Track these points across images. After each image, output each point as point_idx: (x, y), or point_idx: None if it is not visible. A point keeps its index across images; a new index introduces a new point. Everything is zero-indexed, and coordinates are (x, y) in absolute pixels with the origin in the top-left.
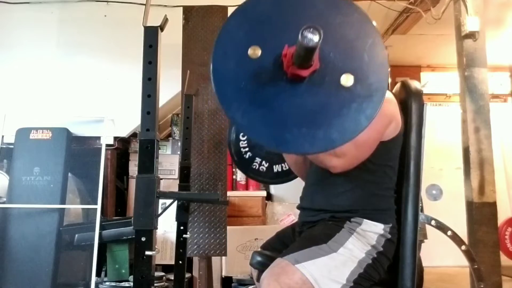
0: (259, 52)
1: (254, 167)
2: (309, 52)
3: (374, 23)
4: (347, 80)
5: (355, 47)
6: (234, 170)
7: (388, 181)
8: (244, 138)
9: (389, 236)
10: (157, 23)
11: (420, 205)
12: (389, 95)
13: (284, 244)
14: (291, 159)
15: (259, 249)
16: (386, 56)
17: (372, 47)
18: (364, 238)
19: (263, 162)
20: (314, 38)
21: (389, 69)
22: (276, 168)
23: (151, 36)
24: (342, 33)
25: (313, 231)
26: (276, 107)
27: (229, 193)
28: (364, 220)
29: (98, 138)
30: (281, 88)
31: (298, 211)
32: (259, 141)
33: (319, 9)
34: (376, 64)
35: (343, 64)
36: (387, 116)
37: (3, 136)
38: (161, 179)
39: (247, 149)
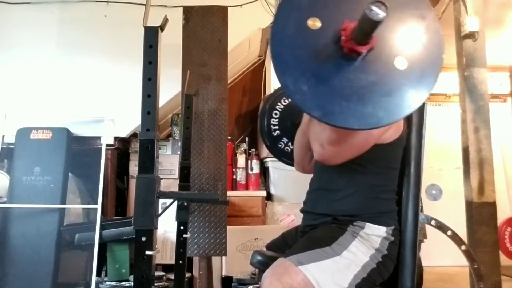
0: (319, 24)
1: (280, 146)
2: (372, 27)
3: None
4: (401, 62)
5: (413, 31)
6: (234, 170)
7: (390, 183)
8: (276, 121)
9: (392, 238)
10: (157, 23)
11: (420, 205)
12: None
13: (287, 244)
14: (300, 141)
15: (261, 249)
16: (442, 45)
17: (429, 34)
18: (367, 242)
19: (290, 144)
20: (380, 12)
21: (443, 56)
22: None
23: (151, 36)
24: (401, 16)
25: (316, 232)
26: (328, 79)
27: (229, 193)
28: (367, 223)
29: (99, 138)
30: (335, 62)
31: (298, 211)
32: (306, 109)
33: None
34: (430, 51)
35: (399, 47)
36: None
37: (3, 136)
38: (161, 179)
39: (277, 129)
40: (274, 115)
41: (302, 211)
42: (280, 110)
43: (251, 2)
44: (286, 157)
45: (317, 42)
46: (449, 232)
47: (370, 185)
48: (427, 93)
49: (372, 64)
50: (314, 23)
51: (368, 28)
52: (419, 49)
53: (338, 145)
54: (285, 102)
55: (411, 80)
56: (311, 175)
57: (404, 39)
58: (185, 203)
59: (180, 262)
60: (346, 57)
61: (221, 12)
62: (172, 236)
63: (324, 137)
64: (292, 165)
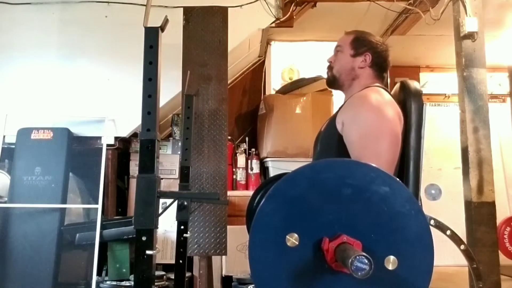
0: (297, 240)
1: None
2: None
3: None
4: (390, 262)
5: (398, 227)
6: (234, 170)
7: None
8: None
9: None
10: (157, 23)
11: (419, 204)
12: (385, 98)
13: None
14: None
15: None
16: (430, 237)
17: (415, 225)
18: None
19: None
20: (365, 268)
21: (433, 253)
22: None
23: (152, 36)
24: (382, 211)
25: None
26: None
27: (229, 193)
28: None
29: (99, 138)
30: (323, 278)
31: None
32: None
33: (354, 185)
34: (420, 245)
35: (387, 246)
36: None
37: (4, 136)
38: (162, 178)
39: None
40: None
41: None
42: None
43: (251, 3)
44: None
45: (301, 260)
46: (448, 232)
47: None
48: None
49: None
50: (293, 240)
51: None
52: (407, 243)
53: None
54: None
55: (404, 280)
56: None
57: (390, 236)
58: (185, 203)
59: (180, 261)
60: (334, 272)
61: (221, 12)
62: (173, 235)
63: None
64: None
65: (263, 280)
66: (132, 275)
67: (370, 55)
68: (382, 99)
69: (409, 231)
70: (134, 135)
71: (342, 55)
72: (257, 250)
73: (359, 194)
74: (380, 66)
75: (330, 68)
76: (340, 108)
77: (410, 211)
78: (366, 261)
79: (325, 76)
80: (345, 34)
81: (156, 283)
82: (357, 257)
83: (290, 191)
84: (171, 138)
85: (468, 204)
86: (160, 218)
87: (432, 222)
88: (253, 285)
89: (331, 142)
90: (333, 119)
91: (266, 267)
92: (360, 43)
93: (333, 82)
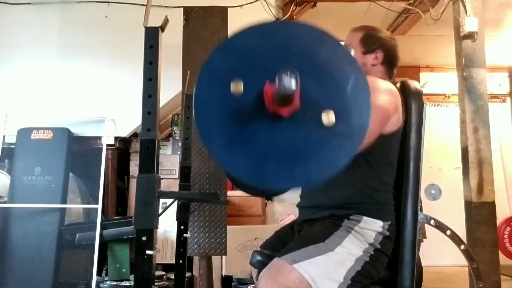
0: (241, 87)
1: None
2: (287, 97)
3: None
4: (328, 118)
5: (338, 84)
6: None
7: (387, 176)
8: None
9: (387, 233)
10: (157, 23)
11: (419, 204)
12: (392, 87)
13: (283, 243)
14: None
15: (259, 249)
16: (369, 95)
17: (355, 85)
18: (362, 236)
19: None
20: (291, 83)
21: (370, 110)
22: None
23: (152, 36)
24: (325, 70)
25: (310, 229)
26: (257, 143)
27: (229, 193)
28: (363, 217)
29: (99, 138)
30: (263, 125)
31: (297, 210)
32: (234, 173)
33: (302, 44)
34: (358, 103)
35: (325, 102)
36: (391, 108)
37: (4, 136)
38: (162, 179)
39: None
40: None
41: (299, 206)
42: None
43: (251, 3)
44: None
45: (243, 107)
46: (448, 232)
47: (366, 175)
48: (360, 142)
49: (299, 123)
50: (237, 88)
51: (284, 97)
52: (345, 101)
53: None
54: None
55: (340, 134)
56: None
57: (329, 94)
58: (185, 203)
59: (180, 261)
60: (273, 119)
61: (221, 12)
62: (173, 235)
63: None
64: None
65: (204, 123)
66: (132, 275)
67: (382, 52)
68: (388, 85)
69: (347, 88)
70: (134, 135)
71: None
72: (202, 94)
73: (306, 51)
74: (391, 62)
75: None
76: None
77: (350, 71)
78: (293, 76)
79: None
80: (353, 31)
81: (156, 283)
82: (284, 72)
83: (240, 42)
84: (171, 138)
85: (468, 204)
86: (160, 218)
87: (432, 222)
88: (253, 285)
89: None
90: None
91: (209, 111)
92: (370, 40)
93: None
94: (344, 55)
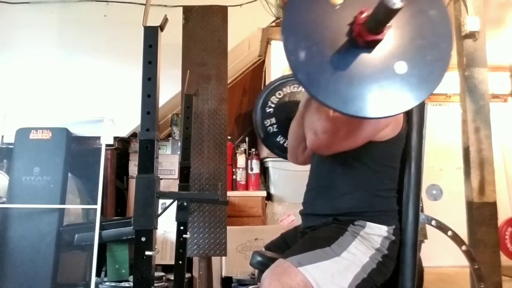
0: (340, 1)
1: (279, 141)
2: (387, 15)
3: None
4: (400, 68)
5: (424, 39)
6: (234, 170)
7: (390, 182)
8: (270, 114)
9: (393, 237)
10: (157, 23)
11: (421, 205)
12: None
13: (287, 244)
14: (294, 131)
15: (261, 249)
16: (448, 59)
17: (439, 45)
18: (368, 242)
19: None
20: (397, 1)
21: (446, 70)
22: None
23: (151, 36)
24: (417, 20)
25: (316, 233)
26: (327, 55)
27: (229, 193)
28: (368, 223)
29: (98, 138)
30: (342, 43)
31: (297, 211)
32: (295, 71)
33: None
34: (434, 64)
35: (404, 50)
36: (380, 121)
37: (3, 136)
38: (161, 179)
39: (274, 124)
40: (267, 109)
41: (301, 213)
42: (273, 104)
43: (251, 2)
44: (280, 150)
45: (331, 18)
46: (449, 233)
47: (368, 183)
48: (427, 94)
49: (374, 59)
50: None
51: (382, 16)
52: (423, 58)
53: (331, 135)
54: (279, 95)
55: (408, 84)
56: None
57: (411, 41)
58: (185, 203)
59: (180, 262)
60: (353, 42)
61: (221, 12)
62: (172, 236)
63: (319, 125)
64: (285, 157)
65: (292, 18)
66: (131, 276)
67: None
68: None
69: (431, 48)
70: (134, 135)
71: None
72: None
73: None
74: None
75: None
76: None
77: (444, 34)
78: None
79: None
80: None
81: (155, 284)
82: None
83: None
84: (170, 138)
85: (470, 205)
86: (160, 219)
87: (433, 222)
88: (253, 286)
89: None
90: None
91: (300, 10)
92: None
93: None
94: (441, 13)
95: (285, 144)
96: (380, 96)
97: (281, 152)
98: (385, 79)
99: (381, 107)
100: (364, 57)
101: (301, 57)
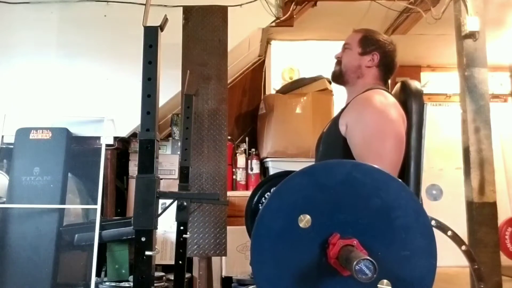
0: (309, 223)
1: None
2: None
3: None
4: (384, 285)
5: (407, 256)
6: (234, 170)
7: None
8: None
9: None
10: (157, 23)
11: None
12: (392, 100)
13: None
14: None
15: None
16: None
17: (425, 261)
18: None
19: None
20: (368, 273)
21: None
22: None
23: (151, 36)
24: (397, 234)
25: None
26: (305, 279)
27: (229, 193)
28: None
29: (98, 138)
30: (316, 264)
31: None
32: None
33: (386, 203)
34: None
35: (387, 270)
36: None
37: (3, 136)
38: (161, 179)
39: None
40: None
41: None
42: None
43: (251, 2)
44: None
45: (303, 241)
46: (449, 232)
47: None
48: None
49: (355, 283)
50: (305, 221)
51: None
52: (408, 276)
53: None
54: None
55: None
56: None
57: (394, 262)
58: (185, 203)
59: (180, 262)
60: (329, 267)
61: (221, 12)
62: (172, 236)
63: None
64: None
65: (262, 246)
66: (132, 276)
67: (378, 54)
68: (386, 101)
69: (416, 267)
70: (134, 135)
71: (350, 52)
72: (268, 217)
73: (386, 209)
74: (387, 66)
75: (338, 63)
76: (342, 109)
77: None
78: (371, 267)
79: (325, 75)
80: (353, 32)
81: (155, 284)
82: (363, 260)
83: (317, 178)
84: (170, 138)
85: (470, 205)
86: (160, 219)
87: (433, 222)
88: (253, 286)
89: (334, 144)
90: (335, 121)
91: (269, 234)
92: (368, 42)
93: (338, 76)
94: (423, 220)
95: None
96: None
97: None
98: None
99: None
100: (344, 281)
101: None
